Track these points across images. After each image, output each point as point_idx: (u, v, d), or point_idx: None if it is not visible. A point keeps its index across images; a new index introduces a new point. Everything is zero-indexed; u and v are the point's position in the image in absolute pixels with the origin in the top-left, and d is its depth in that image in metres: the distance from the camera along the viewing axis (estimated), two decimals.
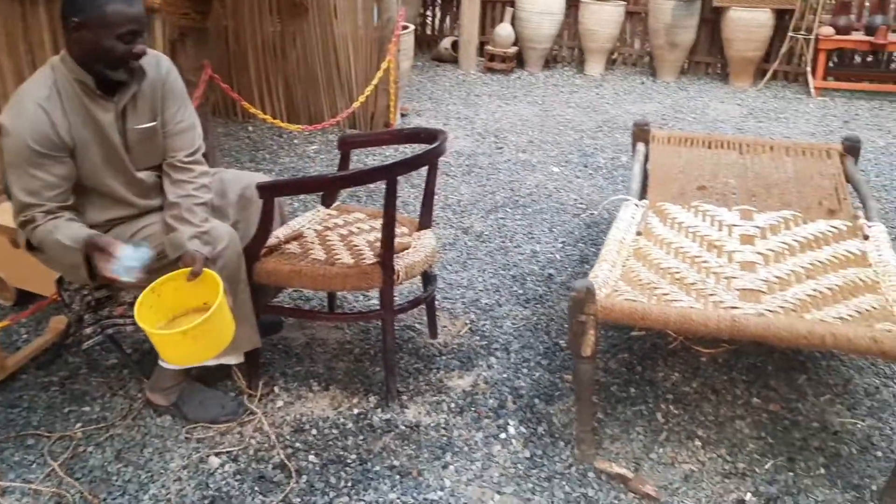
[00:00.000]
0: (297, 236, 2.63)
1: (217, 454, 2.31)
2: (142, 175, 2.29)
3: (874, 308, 2.15)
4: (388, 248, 2.36)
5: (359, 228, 2.72)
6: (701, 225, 2.76)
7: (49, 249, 2.11)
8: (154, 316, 2.11)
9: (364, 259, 2.46)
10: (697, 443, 2.37)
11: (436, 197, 4.28)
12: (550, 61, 7.76)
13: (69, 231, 2.08)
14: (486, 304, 3.18)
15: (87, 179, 2.18)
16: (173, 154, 2.32)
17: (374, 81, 4.85)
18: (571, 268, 3.48)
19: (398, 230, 2.70)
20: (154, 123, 2.26)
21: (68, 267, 2.17)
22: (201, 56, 3.23)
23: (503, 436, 2.40)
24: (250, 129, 5.48)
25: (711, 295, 2.23)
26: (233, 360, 2.49)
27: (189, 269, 2.12)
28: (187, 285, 2.13)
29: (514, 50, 7.42)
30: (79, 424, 2.43)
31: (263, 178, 2.62)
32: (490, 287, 3.32)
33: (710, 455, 2.32)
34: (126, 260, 2.02)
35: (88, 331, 2.42)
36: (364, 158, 4.82)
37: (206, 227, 2.24)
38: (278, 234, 2.61)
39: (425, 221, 2.72)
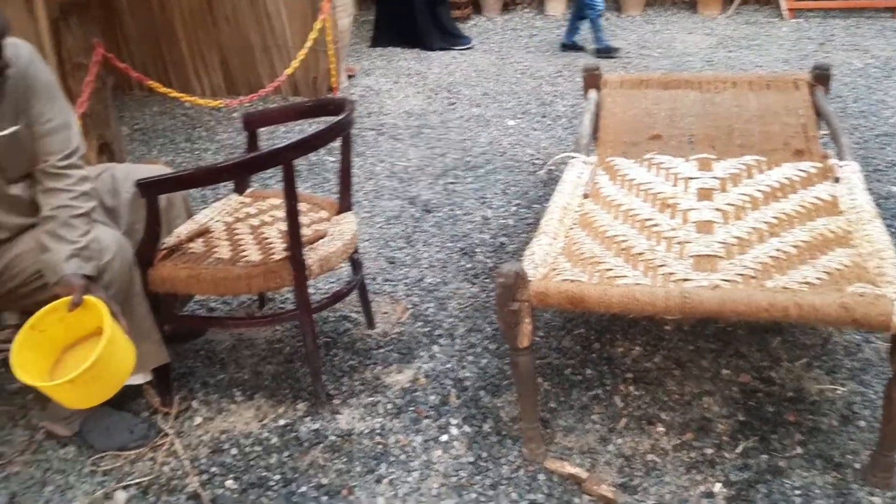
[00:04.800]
0: (202, 232, 2.34)
1: (125, 487, 2.06)
2: (15, 190, 1.99)
3: (845, 266, 1.88)
4: (295, 241, 2.07)
5: (272, 217, 2.43)
6: (654, 181, 2.47)
7: None
8: (39, 357, 1.86)
9: (273, 255, 2.18)
10: (660, 428, 2.12)
11: (381, 165, 4.02)
12: (510, 3, 7.35)
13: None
14: (431, 283, 2.90)
15: None
16: (45, 158, 2.00)
17: (308, 43, 4.48)
18: (526, 233, 3.20)
19: (315, 215, 2.42)
20: (17, 127, 1.95)
21: None
22: (90, 34, 2.89)
23: (444, 438, 2.15)
24: (187, 105, 5.12)
25: (661, 266, 1.96)
26: (139, 379, 2.23)
27: (69, 297, 1.86)
28: (73, 314, 1.87)
29: None
30: None
31: (159, 171, 2.32)
32: (436, 263, 3.04)
33: (674, 441, 2.07)
34: None
35: None
36: (283, 134, 4.46)
37: (84, 242, 1.95)
38: (180, 231, 2.33)
39: (345, 203, 2.43)
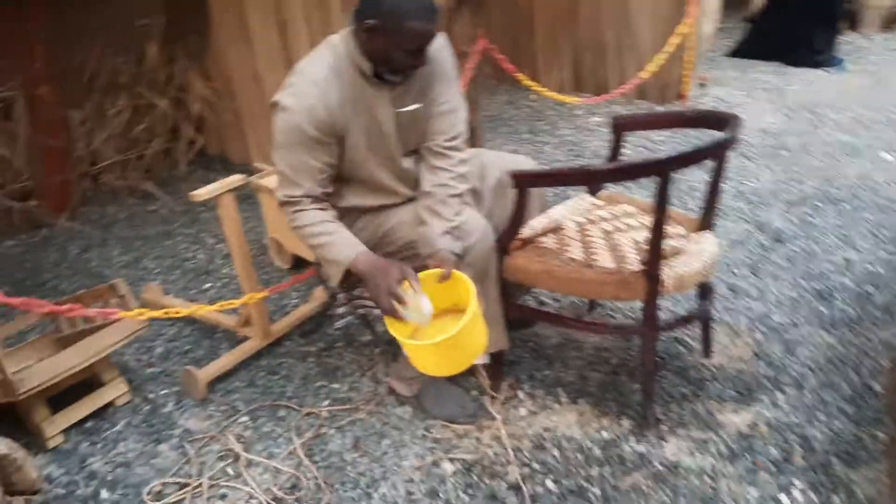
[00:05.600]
0: (555, 229, 2.36)
1: (451, 459, 2.16)
2: (406, 163, 2.17)
3: None
4: (655, 256, 1.99)
5: (626, 224, 2.37)
6: None
7: (307, 240, 2.05)
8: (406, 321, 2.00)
9: (627, 264, 2.12)
10: None
11: (729, 183, 3.76)
12: (893, 21, 6.48)
13: (337, 241, 2.01)
14: (778, 322, 2.64)
15: (351, 165, 2.10)
16: (433, 137, 2.16)
17: (669, 48, 4.33)
18: None
19: (671, 230, 2.31)
20: (420, 105, 2.12)
21: (322, 261, 2.09)
22: (477, 25, 3.06)
23: (784, 499, 1.93)
24: (532, 97, 5.27)
25: None
26: (479, 359, 2.32)
27: (439, 270, 1.98)
28: (437, 285, 1.99)
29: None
30: (326, 402, 2.44)
31: (524, 162, 2.38)
32: (785, 301, 2.76)
33: None
34: (425, 308, 1.92)
35: (341, 310, 2.40)
36: (641, 141, 4.37)
37: (457, 221, 2.08)
38: (534, 224, 2.36)
39: (707, 221, 2.28)
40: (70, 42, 3.72)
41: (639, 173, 2.13)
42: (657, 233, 1.97)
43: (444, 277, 1.98)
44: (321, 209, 2.03)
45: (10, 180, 3.71)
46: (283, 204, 2.06)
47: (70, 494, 2.13)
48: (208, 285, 3.25)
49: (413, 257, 2.16)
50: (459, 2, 2.96)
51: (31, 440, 2.31)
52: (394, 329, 1.94)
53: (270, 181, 3.13)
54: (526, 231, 2.32)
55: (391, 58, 1.95)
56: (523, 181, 2.12)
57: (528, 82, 4.11)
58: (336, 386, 2.52)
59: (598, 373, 2.46)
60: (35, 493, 2.09)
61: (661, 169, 1.93)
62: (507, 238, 2.21)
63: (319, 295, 2.91)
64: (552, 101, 5.08)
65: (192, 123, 4.40)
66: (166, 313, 2.06)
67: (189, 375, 2.49)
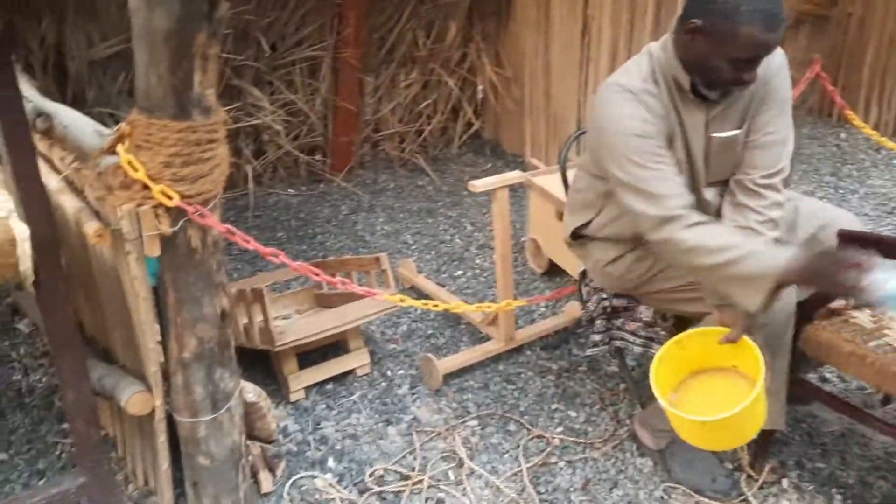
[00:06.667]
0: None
1: None
2: (708, 194, 1.92)
3: None
4: None
5: None
6: None
7: (710, 260, 1.67)
8: (671, 373, 1.77)
9: None
10: None
11: None
12: None
13: (755, 250, 1.64)
14: None
15: None
16: (748, 172, 1.88)
17: None
18: None
19: None
20: (738, 132, 1.85)
21: (731, 283, 1.66)
22: (813, 49, 2.67)
23: None
24: (842, 135, 4.64)
25: None
26: None
27: (725, 329, 1.72)
28: (715, 342, 1.74)
29: None
30: (559, 429, 2.27)
31: (845, 218, 2.01)
32: None
33: None
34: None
35: (596, 337, 2.21)
36: None
37: None
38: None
39: None
40: (379, 12, 3.85)
41: None
42: None
43: (731, 340, 1.72)
44: (715, 223, 1.76)
45: (304, 134, 3.95)
46: (662, 224, 1.71)
47: (300, 454, 2.17)
48: (459, 272, 3.21)
49: (693, 301, 1.91)
50: (797, 20, 2.59)
51: (275, 390, 2.40)
52: (657, 382, 1.71)
53: (545, 181, 3.01)
54: (837, 300, 1.96)
55: (712, 67, 1.69)
56: (854, 242, 1.77)
57: (858, 123, 3.54)
58: (572, 413, 2.34)
59: (887, 483, 2.04)
60: (270, 442, 2.15)
61: None
62: (815, 305, 1.87)
63: (570, 310, 2.74)
64: (866, 143, 4.43)
65: (473, 106, 4.41)
66: (425, 305, 2.01)
67: (428, 363, 2.45)
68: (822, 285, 1.63)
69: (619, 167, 1.77)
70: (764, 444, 2.05)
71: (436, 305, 2.01)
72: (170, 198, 1.49)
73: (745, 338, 1.71)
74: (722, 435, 1.70)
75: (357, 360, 2.49)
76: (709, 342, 1.77)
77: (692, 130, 1.83)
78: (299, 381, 2.37)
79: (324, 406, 2.37)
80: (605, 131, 1.80)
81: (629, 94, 1.77)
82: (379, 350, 2.65)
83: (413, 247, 3.42)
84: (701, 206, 1.91)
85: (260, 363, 2.44)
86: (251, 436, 2.08)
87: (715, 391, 1.78)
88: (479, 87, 4.29)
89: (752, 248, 1.66)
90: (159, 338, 1.71)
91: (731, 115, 1.85)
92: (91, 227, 1.54)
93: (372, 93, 4.09)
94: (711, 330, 1.76)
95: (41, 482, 2.03)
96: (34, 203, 1.48)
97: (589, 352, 2.23)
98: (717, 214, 1.93)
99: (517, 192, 3.46)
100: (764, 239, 1.78)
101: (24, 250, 1.50)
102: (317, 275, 1.79)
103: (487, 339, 2.63)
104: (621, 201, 1.81)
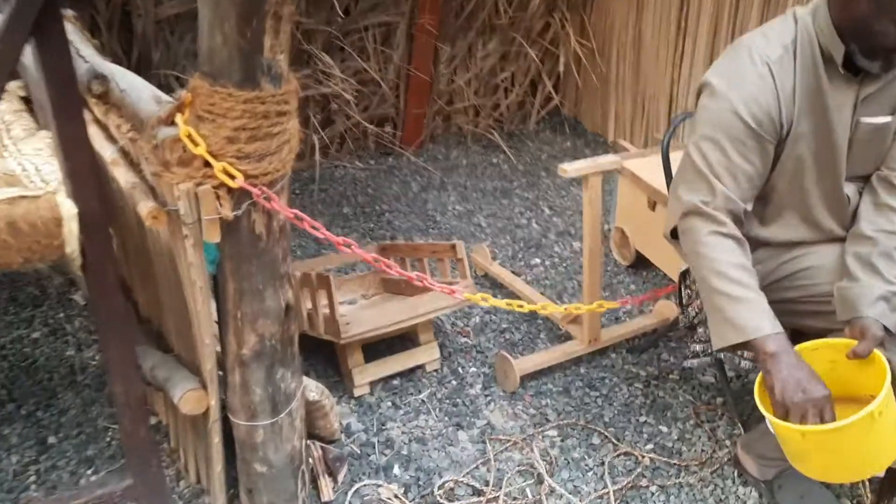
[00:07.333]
0: None
1: None
2: (848, 189, 1.64)
3: None
4: None
5: None
6: None
7: (706, 276, 1.52)
8: None
9: None
10: None
11: None
12: None
13: (750, 300, 1.48)
14: None
15: (780, 179, 1.62)
16: (894, 166, 1.61)
17: None
18: None
19: None
20: (889, 119, 1.57)
21: (714, 312, 1.54)
22: None
23: None
24: None
25: None
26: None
27: (852, 341, 1.46)
28: (846, 362, 1.47)
29: None
30: (649, 446, 2.04)
31: None
32: None
33: None
34: None
35: (697, 348, 1.97)
36: None
37: None
38: None
39: None
40: None
41: None
42: None
43: (860, 355, 1.45)
44: (741, 247, 1.54)
45: (375, 105, 3.74)
46: (690, 214, 1.57)
47: (364, 458, 1.99)
48: (536, 261, 2.97)
49: (821, 315, 1.64)
50: None
51: (337, 382, 2.22)
52: (763, 400, 1.46)
53: (636, 164, 2.74)
54: None
55: (873, 33, 1.42)
56: None
57: None
58: (663, 429, 2.10)
59: None
60: (332, 442, 1.98)
61: None
62: None
63: (662, 310, 2.49)
64: None
65: (553, 80, 4.13)
66: (509, 305, 1.79)
67: (503, 362, 2.23)
68: (774, 388, 1.42)
69: (698, 138, 1.57)
70: (890, 483, 1.79)
71: (521, 307, 1.79)
72: (232, 177, 1.30)
73: (877, 352, 1.44)
74: (838, 460, 1.43)
75: (427, 354, 2.30)
76: (836, 357, 1.51)
77: (836, 112, 1.55)
78: (364, 374, 2.19)
79: (389, 404, 2.18)
80: (707, 97, 1.57)
81: (761, 63, 1.52)
82: (449, 343, 2.44)
83: (487, 230, 3.19)
84: (838, 203, 1.64)
85: (322, 351, 2.27)
86: (311, 435, 1.91)
87: (841, 416, 1.52)
88: (562, 61, 4.01)
89: (743, 295, 1.48)
90: (216, 332, 1.54)
91: (884, 98, 1.57)
92: (145, 207, 1.36)
93: (447, 63, 3.85)
94: (839, 342, 1.50)
95: (89, 471, 1.90)
96: (82, 177, 1.31)
97: (687, 363, 1.99)
98: (853, 214, 1.65)
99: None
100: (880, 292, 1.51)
101: (71, 230, 1.33)
102: (390, 267, 1.58)
103: (567, 336, 2.41)
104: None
